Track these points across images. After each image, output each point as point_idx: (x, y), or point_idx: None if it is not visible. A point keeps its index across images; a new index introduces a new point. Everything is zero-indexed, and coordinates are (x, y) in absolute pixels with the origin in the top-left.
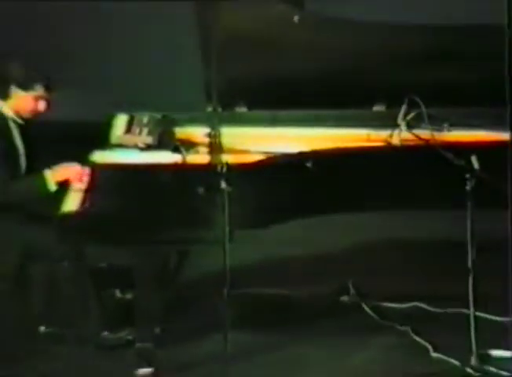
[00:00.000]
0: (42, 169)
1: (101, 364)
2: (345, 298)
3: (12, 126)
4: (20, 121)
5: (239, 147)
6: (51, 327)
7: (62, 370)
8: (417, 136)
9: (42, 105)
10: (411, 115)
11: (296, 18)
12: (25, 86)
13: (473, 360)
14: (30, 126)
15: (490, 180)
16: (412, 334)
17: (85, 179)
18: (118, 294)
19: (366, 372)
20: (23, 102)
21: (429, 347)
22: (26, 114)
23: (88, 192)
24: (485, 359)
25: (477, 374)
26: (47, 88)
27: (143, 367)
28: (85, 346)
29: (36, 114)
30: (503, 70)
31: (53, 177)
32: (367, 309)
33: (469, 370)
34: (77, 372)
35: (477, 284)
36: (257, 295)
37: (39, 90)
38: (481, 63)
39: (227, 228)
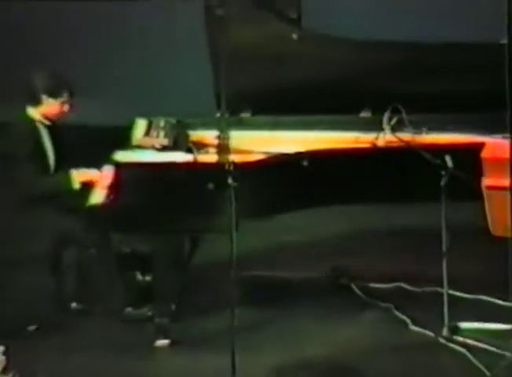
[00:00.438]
0: (69, 166)
1: (124, 336)
2: (336, 280)
3: (41, 127)
4: (47, 122)
5: (244, 148)
6: (81, 304)
7: (90, 341)
8: (399, 138)
9: (66, 108)
10: (394, 120)
11: (295, 35)
12: (54, 95)
13: (445, 331)
14: (57, 127)
15: (462, 176)
16: (394, 311)
17: (108, 177)
18: (139, 276)
19: (355, 343)
20: (51, 108)
21: (408, 321)
22: (52, 117)
23: (112, 187)
24: (455, 330)
25: (448, 342)
26: (71, 93)
27: (161, 339)
28: (111, 320)
29: (61, 116)
30: (475, 81)
31: (77, 177)
32: (355, 288)
33: (441, 340)
34: (103, 343)
35: (451, 266)
36: (260, 277)
37: (65, 96)
38: (456, 75)
39: (234, 219)
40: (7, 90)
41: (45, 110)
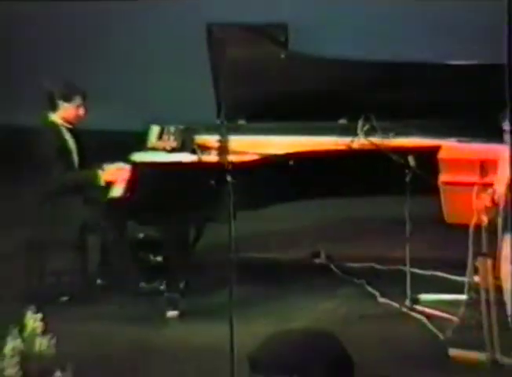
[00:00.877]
0: (91, 163)
1: (139, 307)
2: (317, 260)
3: (64, 131)
4: (69, 126)
5: (240, 150)
6: (104, 280)
7: (111, 311)
8: (371, 142)
9: (81, 111)
10: (366, 126)
11: (283, 55)
12: (69, 99)
13: (407, 302)
14: (78, 131)
15: (422, 174)
16: (366, 286)
17: (127, 175)
18: (152, 257)
19: (333, 313)
20: (68, 112)
21: (377, 294)
22: (72, 120)
23: (129, 182)
24: (415, 301)
25: (409, 311)
26: (84, 97)
27: (171, 310)
28: (128, 294)
29: (79, 119)
30: (437, 93)
31: (103, 175)
32: (333, 268)
33: (404, 309)
34: (122, 313)
35: (412, 249)
36: (254, 258)
37: (78, 100)
38: (419, 89)
39: (232, 210)
40: (28, 97)
41: (63, 114)
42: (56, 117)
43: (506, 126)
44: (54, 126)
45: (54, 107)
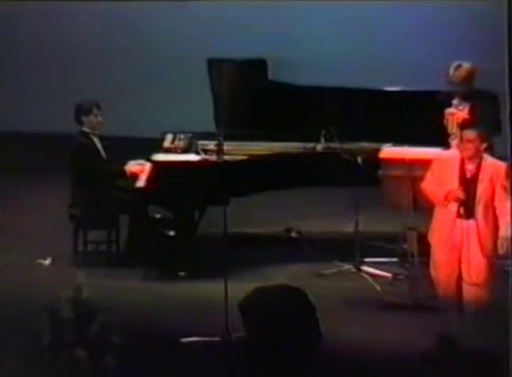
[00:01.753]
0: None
1: (158, 269)
2: (290, 234)
3: (92, 136)
4: (96, 132)
5: (234, 152)
6: (131, 249)
7: (137, 272)
8: (329, 146)
9: (100, 119)
10: (323, 133)
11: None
12: (89, 112)
13: (356, 264)
14: (103, 137)
15: (367, 169)
16: (326, 252)
17: (147, 170)
18: (166, 231)
19: (302, 272)
20: (91, 122)
21: (334, 258)
22: (96, 127)
23: (150, 175)
24: (362, 263)
25: (357, 271)
26: (98, 107)
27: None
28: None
29: (100, 125)
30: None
31: (128, 169)
32: (302, 239)
33: (353, 269)
34: (144, 273)
35: (360, 225)
36: (241, 232)
37: (95, 111)
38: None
39: (226, 197)
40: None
41: (88, 124)
42: (84, 128)
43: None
44: (84, 134)
45: (80, 122)
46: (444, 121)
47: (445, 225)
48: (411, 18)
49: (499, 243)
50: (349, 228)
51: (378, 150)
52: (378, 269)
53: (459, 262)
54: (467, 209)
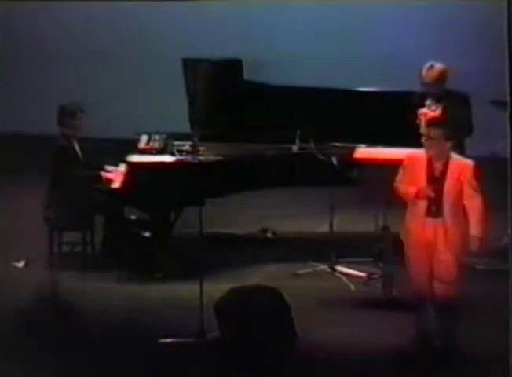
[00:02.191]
0: (93, 164)
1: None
2: (265, 235)
3: (72, 140)
4: (77, 135)
5: (209, 153)
6: (106, 250)
7: (113, 273)
8: (304, 147)
9: (83, 122)
10: (298, 133)
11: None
12: (73, 115)
13: (331, 265)
14: (82, 139)
15: (342, 168)
16: (301, 253)
17: (122, 173)
18: (141, 232)
19: (277, 272)
20: (73, 125)
21: (309, 259)
22: (77, 129)
23: (125, 176)
24: (336, 263)
25: (332, 271)
26: (81, 111)
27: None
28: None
29: (82, 128)
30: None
31: (104, 176)
32: (277, 240)
33: (328, 269)
34: (120, 275)
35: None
36: (217, 233)
37: (79, 114)
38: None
39: (202, 198)
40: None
41: (71, 127)
42: (65, 130)
43: None
44: (65, 137)
45: (62, 124)
46: (417, 121)
47: (416, 223)
48: (394, 18)
49: (471, 241)
50: (324, 228)
51: (352, 150)
52: (352, 268)
53: (431, 260)
54: (436, 207)
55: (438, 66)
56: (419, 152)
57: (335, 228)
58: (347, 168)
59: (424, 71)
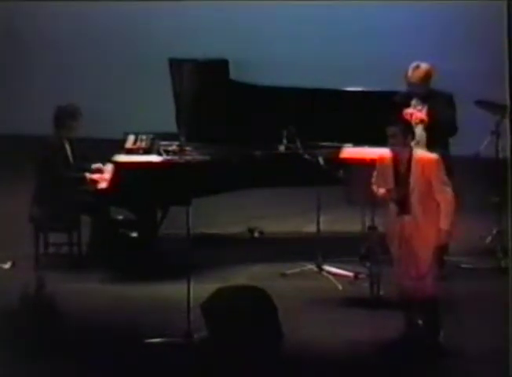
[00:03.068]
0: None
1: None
2: (252, 235)
3: (65, 141)
4: (70, 136)
5: (195, 153)
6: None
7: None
8: (291, 147)
9: (80, 123)
10: (284, 133)
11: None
12: (73, 117)
13: (318, 264)
14: (74, 140)
15: (328, 168)
16: (287, 252)
17: (110, 172)
18: (128, 232)
19: (264, 272)
20: (71, 126)
21: (296, 258)
22: (71, 132)
23: (112, 176)
24: (324, 263)
25: (320, 270)
26: (80, 113)
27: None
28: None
29: (79, 129)
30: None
31: (89, 177)
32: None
33: (315, 269)
34: (107, 274)
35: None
36: (204, 233)
37: (78, 116)
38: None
39: (188, 197)
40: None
41: (67, 129)
42: (61, 132)
43: None
44: (58, 138)
45: (59, 125)
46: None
47: (392, 222)
48: (379, 18)
49: (440, 235)
50: (310, 228)
51: (339, 150)
52: (339, 268)
53: (409, 257)
54: (404, 205)
55: (424, 66)
56: (387, 152)
57: (322, 227)
58: (333, 168)
59: (410, 72)
